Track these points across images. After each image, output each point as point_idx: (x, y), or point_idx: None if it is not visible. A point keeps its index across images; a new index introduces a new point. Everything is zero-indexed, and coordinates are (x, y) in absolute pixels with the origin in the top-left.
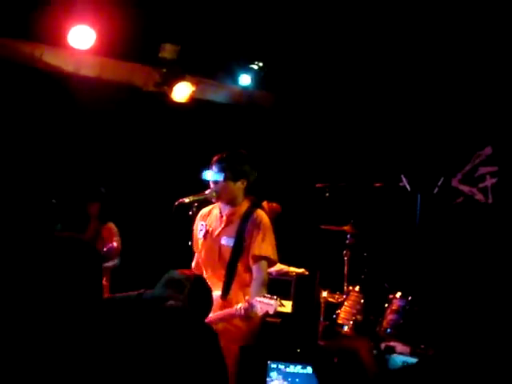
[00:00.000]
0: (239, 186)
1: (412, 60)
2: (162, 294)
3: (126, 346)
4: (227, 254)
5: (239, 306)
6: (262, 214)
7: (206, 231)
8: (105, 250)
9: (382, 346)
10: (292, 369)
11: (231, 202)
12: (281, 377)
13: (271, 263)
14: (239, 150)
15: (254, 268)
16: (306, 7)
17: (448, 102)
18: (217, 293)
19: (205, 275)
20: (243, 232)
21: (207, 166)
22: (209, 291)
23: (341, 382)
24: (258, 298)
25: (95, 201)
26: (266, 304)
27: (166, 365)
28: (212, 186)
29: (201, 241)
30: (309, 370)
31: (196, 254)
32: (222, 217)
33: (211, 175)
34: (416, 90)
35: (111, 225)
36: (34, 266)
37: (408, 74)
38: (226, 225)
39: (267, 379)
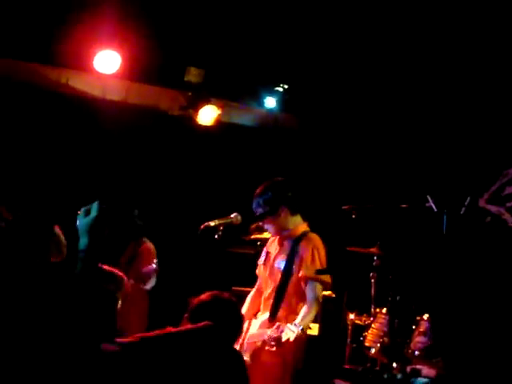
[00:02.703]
0: (281, 215)
1: (438, 80)
2: None
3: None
4: (278, 277)
5: (269, 331)
6: (314, 237)
7: (266, 257)
8: (143, 270)
9: (408, 369)
10: None
11: (284, 230)
12: None
13: (325, 286)
14: (274, 178)
15: (306, 290)
16: (330, 31)
17: (474, 120)
18: (266, 315)
19: (263, 299)
20: (294, 254)
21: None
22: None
23: None
24: (289, 325)
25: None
26: (290, 330)
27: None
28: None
29: (261, 267)
30: None
31: (258, 280)
32: (279, 240)
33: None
34: (440, 111)
35: (150, 245)
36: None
37: (432, 93)
38: (281, 248)
39: None
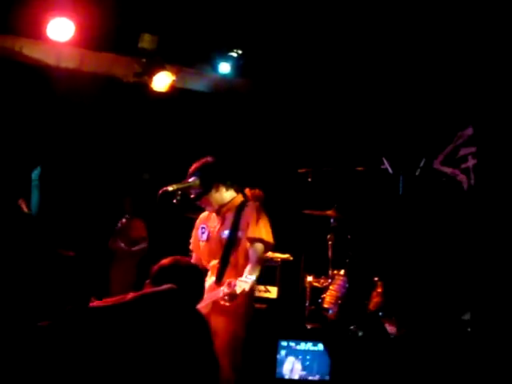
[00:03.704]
0: (216, 192)
1: (390, 42)
2: None
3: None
4: (224, 244)
5: (221, 288)
6: (254, 204)
7: (209, 233)
8: (133, 236)
9: None
10: (303, 346)
11: (221, 204)
12: (293, 355)
13: (267, 246)
14: (204, 158)
15: (250, 251)
16: None
17: (428, 82)
18: (212, 279)
19: (210, 267)
20: (237, 222)
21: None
22: (199, 278)
23: (351, 358)
24: (240, 278)
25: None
26: (244, 282)
27: (158, 348)
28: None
29: (203, 243)
30: (320, 347)
31: (194, 254)
32: (218, 215)
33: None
34: (395, 72)
35: (139, 222)
36: None
37: (386, 56)
38: (223, 221)
39: (278, 357)
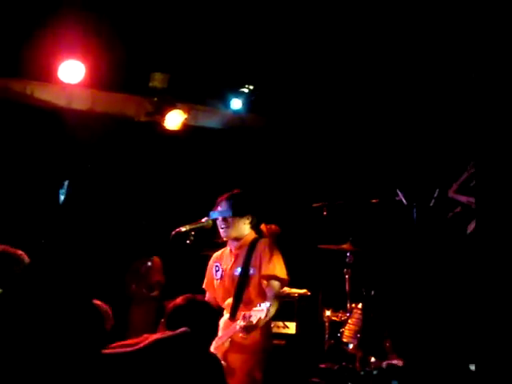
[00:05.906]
0: (245, 221)
1: (401, 75)
2: None
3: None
4: (236, 281)
5: (237, 323)
6: (266, 240)
7: (222, 271)
8: (153, 281)
9: (384, 364)
10: None
11: (239, 236)
12: None
13: (283, 282)
14: (240, 190)
15: (266, 289)
16: (294, 31)
17: (440, 111)
18: (226, 316)
19: (225, 305)
20: (249, 259)
21: (212, 207)
22: (214, 317)
23: None
24: (254, 308)
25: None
26: (258, 311)
27: None
28: (221, 224)
29: (218, 281)
30: None
31: (208, 293)
32: (231, 252)
33: (220, 213)
34: (407, 103)
35: (158, 259)
36: None
37: (398, 88)
38: (236, 258)
39: None
